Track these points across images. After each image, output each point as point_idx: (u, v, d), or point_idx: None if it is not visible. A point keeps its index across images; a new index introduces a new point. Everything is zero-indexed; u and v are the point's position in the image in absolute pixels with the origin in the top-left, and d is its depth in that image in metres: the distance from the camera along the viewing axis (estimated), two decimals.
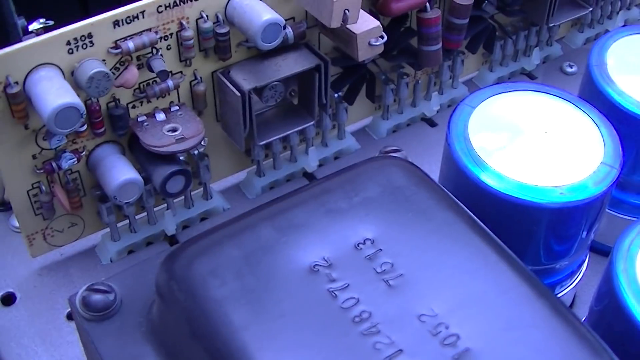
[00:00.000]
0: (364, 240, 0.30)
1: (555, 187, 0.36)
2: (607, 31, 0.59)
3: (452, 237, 0.30)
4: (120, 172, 0.42)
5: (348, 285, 0.29)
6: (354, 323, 0.28)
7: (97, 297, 0.32)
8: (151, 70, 0.41)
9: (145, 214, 0.47)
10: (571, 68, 0.60)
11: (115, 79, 0.41)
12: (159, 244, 0.48)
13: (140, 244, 0.47)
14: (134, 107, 0.43)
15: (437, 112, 0.55)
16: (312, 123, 0.47)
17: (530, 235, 0.38)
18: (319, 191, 0.32)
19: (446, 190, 0.33)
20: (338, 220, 0.31)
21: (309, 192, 0.32)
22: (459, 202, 0.32)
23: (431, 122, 0.55)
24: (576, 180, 0.37)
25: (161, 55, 0.41)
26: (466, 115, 0.40)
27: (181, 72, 0.43)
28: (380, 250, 0.30)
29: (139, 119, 0.43)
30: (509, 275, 0.29)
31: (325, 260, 0.29)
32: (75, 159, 0.42)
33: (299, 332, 0.27)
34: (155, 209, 0.47)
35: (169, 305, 0.30)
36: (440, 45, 0.49)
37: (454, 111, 0.40)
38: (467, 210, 0.32)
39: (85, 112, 0.38)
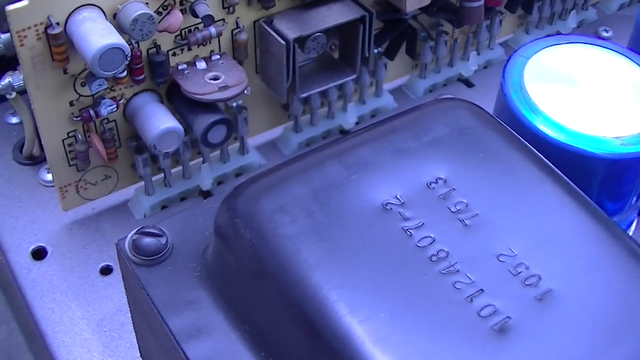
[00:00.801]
0: (436, 180, 0.29)
1: (616, 137, 0.35)
2: None
3: (526, 178, 0.29)
4: (161, 120, 0.40)
5: (423, 224, 0.28)
6: (431, 262, 0.26)
7: (148, 240, 0.31)
8: (195, 16, 0.40)
9: (179, 168, 0.46)
10: (607, 32, 0.59)
11: (159, 23, 0.39)
12: (193, 199, 0.46)
13: (174, 199, 0.46)
14: (174, 54, 0.41)
15: (474, 72, 0.54)
16: (353, 77, 0.46)
17: (585, 187, 0.36)
18: (386, 130, 0.31)
19: (513, 131, 0.32)
20: (408, 159, 0.29)
21: (376, 131, 0.31)
22: (525, 142, 0.31)
23: (468, 83, 0.54)
24: (637, 130, 0.36)
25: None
26: (520, 65, 0.38)
27: (223, 19, 0.42)
28: (454, 189, 0.29)
29: (180, 67, 0.41)
30: (585, 217, 0.28)
31: (398, 199, 0.28)
32: (116, 105, 0.40)
33: (375, 271, 0.26)
34: (190, 163, 0.46)
35: (233, 246, 0.28)
36: (482, 1, 0.48)
37: (507, 61, 0.39)
38: (538, 154, 0.31)
39: (129, 54, 0.37)
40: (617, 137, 0.35)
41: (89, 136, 0.42)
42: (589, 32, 0.59)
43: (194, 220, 0.32)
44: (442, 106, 0.32)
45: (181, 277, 0.30)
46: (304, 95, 0.44)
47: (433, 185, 0.29)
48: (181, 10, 0.40)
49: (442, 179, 0.29)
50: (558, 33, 0.58)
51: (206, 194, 0.47)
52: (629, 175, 0.37)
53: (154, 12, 0.39)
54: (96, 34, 0.36)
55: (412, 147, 0.30)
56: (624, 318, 0.26)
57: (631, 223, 0.41)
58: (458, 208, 0.28)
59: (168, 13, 0.39)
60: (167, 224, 0.32)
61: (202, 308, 0.29)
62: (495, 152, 0.30)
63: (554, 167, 0.30)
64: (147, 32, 0.38)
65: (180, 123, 0.42)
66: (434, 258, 0.26)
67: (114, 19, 0.38)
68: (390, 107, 0.51)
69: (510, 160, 0.30)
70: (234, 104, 0.45)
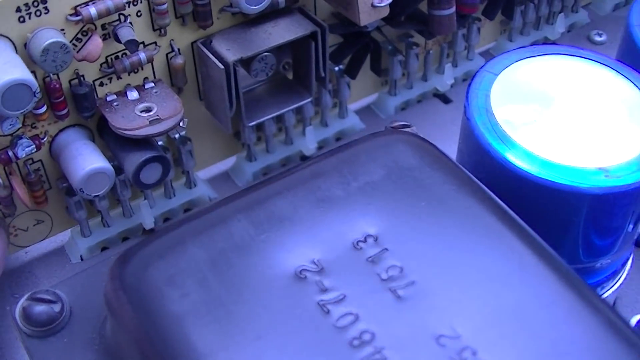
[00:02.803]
0: (365, 238, 0.24)
1: (599, 168, 0.30)
2: None
3: (478, 232, 0.24)
4: (87, 161, 0.36)
5: (344, 296, 0.23)
6: (352, 347, 0.22)
7: (40, 309, 0.27)
8: (119, 41, 0.35)
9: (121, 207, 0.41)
10: (600, 37, 0.54)
11: (78, 52, 0.35)
12: (137, 239, 0.42)
13: (114, 240, 0.41)
14: (101, 84, 0.37)
15: (451, 86, 0.49)
16: (309, 100, 0.41)
17: (567, 227, 0.32)
18: (308, 175, 0.26)
19: (467, 172, 0.27)
20: (331, 211, 0.24)
21: (296, 176, 0.26)
22: (483, 186, 0.26)
23: (444, 98, 0.50)
24: (623, 160, 0.31)
25: (130, 23, 0.36)
26: (487, 83, 0.34)
27: (155, 42, 0.37)
28: (386, 250, 0.24)
29: (108, 98, 0.37)
30: (550, 281, 0.23)
31: (316, 264, 0.23)
32: (34, 146, 0.36)
33: None
34: (134, 201, 0.41)
35: (119, 322, 0.24)
36: (453, 9, 0.43)
37: (472, 79, 0.34)
38: (495, 197, 0.26)
39: (38, 90, 0.32)
40: (601, 168, 0.30)
41: (10, 179, 0.37)
42: (580, 37, 0.54)
43: (98, 280, 0.27)
44: (381, 141, 0.27)
45: (77, 351, 0.26)
46: (252, 123, 0.40)
47: (361, 244, 0.24)
48: (103, 36, 0.35)
49: (372, 236, 0.24)
50: (545, 39, 0.53)
51: (150, 233, 0.42)
52: (618, 210, 0.32)
53: (72, 39, 0.35)
54: None
55: (338, 196, 0.25)
56: None
57: (626, 261, 0.36)
58: (390, 274, 0.23)
59: (88, 39, 0.35)
60: (67, 286, 0.27)
61: None
62: (441, 199, 0.25)
63: (514, 215, 0.26)
64: (61, 63, 0.33)
65: (113, 161, 0.37)
66: (355, 342, 0.22)
67: (25, 48, 0.34)
68: (357, 128, 0.46)
69: (460, 210, 0.25)
70: (176, 136, 0.40)
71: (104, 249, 0.41)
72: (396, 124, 0.31)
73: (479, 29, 0.49)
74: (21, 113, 0.33)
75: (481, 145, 0.32)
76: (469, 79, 0.50)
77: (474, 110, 0.33)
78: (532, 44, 0.52)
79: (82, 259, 0.41)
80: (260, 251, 0.23)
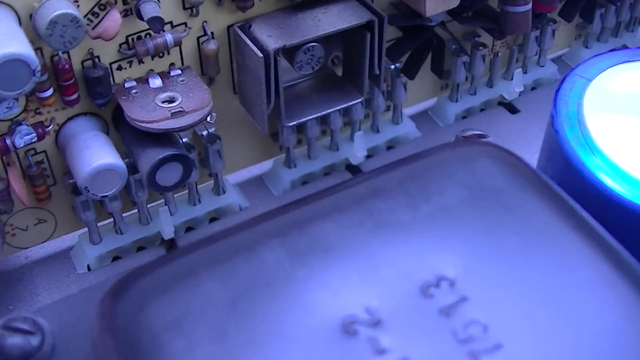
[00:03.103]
0: (438, 281, 0.18)
1: None
2: None
3: (590, 281, 0.18)
4: (95, 155, 0.31)
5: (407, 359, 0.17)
6: None
7: (13, 341, 0.21)
8: (141, 19, 0.30)
9: (136, 210, 0.36)
10: None
11: (93, 28, 0.30)
12: (154, 249, 0.37)
13: (128, 249, 0.36)
14: (120, 68, 0.32)
15: (519, 94, 0.43)
16: (359, 101, 0.36)
17: None
18: (364, 192, 0.20)
19: (570, 198, 0.21)
20: (394, 242, 0.19)
21: (348, 193, 0.20)
22: (591, 217, 0.21)
23: (511, 108, 0.44)
24: None
25: None
26: (579, 90, 0.28)
27: (185, 23, 0.32)
28: (466, 299, 0.18)
29: (126, 85, 0.32)
30: None
31: (370, 314, 0.18)
32: (35, 134, 0.31)
33: None
34: (150, 204, 0.36)
35: None
36: (529, 5, 0.38)
37: (561, 85, 0.28)
38: (606, 233, 0.20)
39: (39, 68, 0.27)
40: None
41: (7, 171, 0.32)
42: None
43: (86, 307, 0.22)
44: (458, 154, 0.21)
45: None
46: (292, 123, 0.34)
47: (432, 290, 0.18)
48: (124, 12, 0.30)
49: (447, 279, 0.18)
50: (624, 47, 0.47)
51: (170, 244, 0.37)
52: None
53: (87, 13, 0.30)
54: None
55: (403, 222, 0.19)
56: None
57: None
58: (469, 333, 0.17)
59: (106, 14, 0.30)
60: (52, 312, 0.22)
61: None
62: (539, 233, 0.19)
63: (634, 261, 0.20)
64: (70, 40, 0.28)
65: (128, 158, 0.32)
66: None
67: (31, 20, 0.29)
68: (412, 136, 0.41)
69: (565, 249, 0.19)
70: (204, 132, 0.35)
71: (115, 258, 0.36)
72: (469, 132, 0.25)
73: (553, 32, 0.43)
74: (18, 94, 0.27)
75: (571, 162, 0.26)
76: (538, 87, 0.45)
77: (564, 121, 0.27)
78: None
79: (89, 269, 0.36)
80: (297, 292, 0.18)
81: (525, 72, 0.44)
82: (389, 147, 0.41)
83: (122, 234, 0.36)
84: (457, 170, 0.21)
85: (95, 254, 0.35)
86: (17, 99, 0.29)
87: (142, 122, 0.30)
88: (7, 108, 0.29)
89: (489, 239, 0.19)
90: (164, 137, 0.31)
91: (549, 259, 0.19)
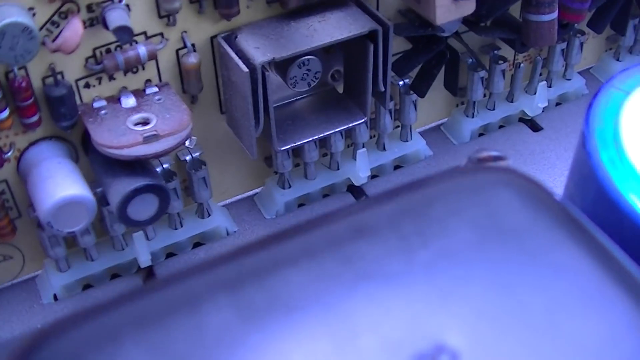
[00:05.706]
0: (436, 352, 0.14)
1: None
2: None
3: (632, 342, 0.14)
4: (58, 186, 0.27)
5: None
6: None
7: None
8: (107, 28, 0.26)
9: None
10: None
11: (53, 40, 0.26)
12: (129, 278, 0.33)
13: (101, 277, 0.32)
14: (87, 85, 0.28)
15: (543, 110, 0.39)
16: (362, 121, 0.32)
17: None
18: (343, 232, 0.16)
19: (610, 240, 0.17)
20: (381, 300, 0.15)
21: (322, 235, 0.16)
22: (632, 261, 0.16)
23: (533, 125, 0.40)
24: None
25: (126, 4, 0.27)
26: (616, 104, 0.24)
27: (161, 34, 0.28)
28: None
29: (95, 104, 0.28)
30: None
31: None
32: None
33: None
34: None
35: None
36: (555, 14, 0.34)
37: (594, 98, 0.24)
38: None
39: None
40: None
41: None
42: None
43: None
44: (467, 183, 0.17)
45: None
46: (284, 148, 0.30)
47: None
48: (90, 21, 0.26)
49: (448, 350, 0.14)
50: None
51: (148, 272, 0.33)
52: None
53: (45, 23, 0.26)
54: None
55: (396, 272, 0.15)
56: None
57: None
58: None
59: (66, 24, 0.26)
60: None
61: None
62: (571, 288, 0.15)
63: None
64: (22, 53, 0.25)
65: (97, 188, 0.28)
66: None
67: None
68: (423, 155, 0.37)
69: (603, 305, 0.15)
70: (187, 158, 0.31)
71: (86, 287, 0.32)
72: (485, 154, 0.20)
73: (581, 45, 0.39)
74: None
75: (605, 192, 0.22)
76: (565, 103, 0.41)
77: (598, 141, 0.23)
78: None
79: (56, 299, 0.32)
80: None
81: (549, 86, 0.40)
82: (397, 167, 0.37)
83: (92, 260, 0.32)
84: (465, 204, 0.17)
85: (62, 283, 0.32)
86: None
87: (110, 147, 0.26)
88: None
89: (504, 298, 0.15)
90: (137, 165, 0.28)
91: (584, 324, 0.14)
